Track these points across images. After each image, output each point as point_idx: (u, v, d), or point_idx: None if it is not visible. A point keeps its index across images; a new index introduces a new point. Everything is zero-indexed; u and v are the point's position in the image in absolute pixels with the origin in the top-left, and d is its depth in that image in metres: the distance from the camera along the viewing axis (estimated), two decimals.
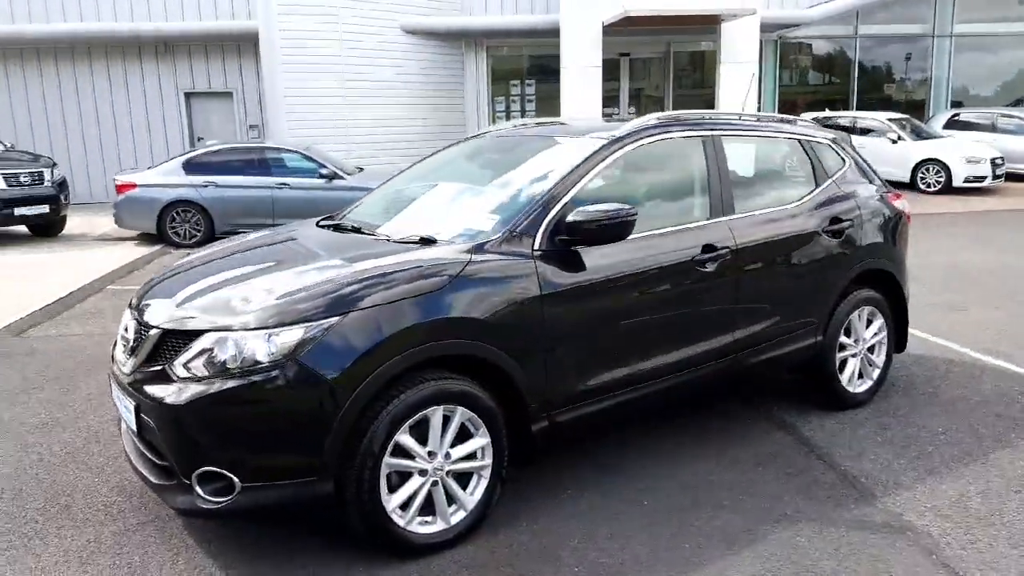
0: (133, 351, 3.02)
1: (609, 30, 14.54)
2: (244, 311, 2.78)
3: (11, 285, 8.19)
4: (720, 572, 2.86)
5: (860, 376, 4.46)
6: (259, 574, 2.88)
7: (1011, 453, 3.84)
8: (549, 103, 16.63)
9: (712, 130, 3.91)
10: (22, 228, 11.72)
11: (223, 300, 2.92)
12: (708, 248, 3.64)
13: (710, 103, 15.93)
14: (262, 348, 2.67)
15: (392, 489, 2.87)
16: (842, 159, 4.52)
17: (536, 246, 3.17)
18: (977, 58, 19.16)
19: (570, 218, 3.16)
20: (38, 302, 7.33)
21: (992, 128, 16.34)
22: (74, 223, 12.55)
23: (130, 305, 3.32)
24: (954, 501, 3.38)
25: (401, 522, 2.88)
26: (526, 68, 17.45)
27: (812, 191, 4.26)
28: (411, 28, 15.15)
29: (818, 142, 4.44)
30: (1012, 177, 15.68)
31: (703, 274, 3.62)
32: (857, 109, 17.86)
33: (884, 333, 4.55)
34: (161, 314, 2.99)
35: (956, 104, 18.69)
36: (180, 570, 2.91)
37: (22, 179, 10.86)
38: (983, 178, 14.45)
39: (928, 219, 11.95)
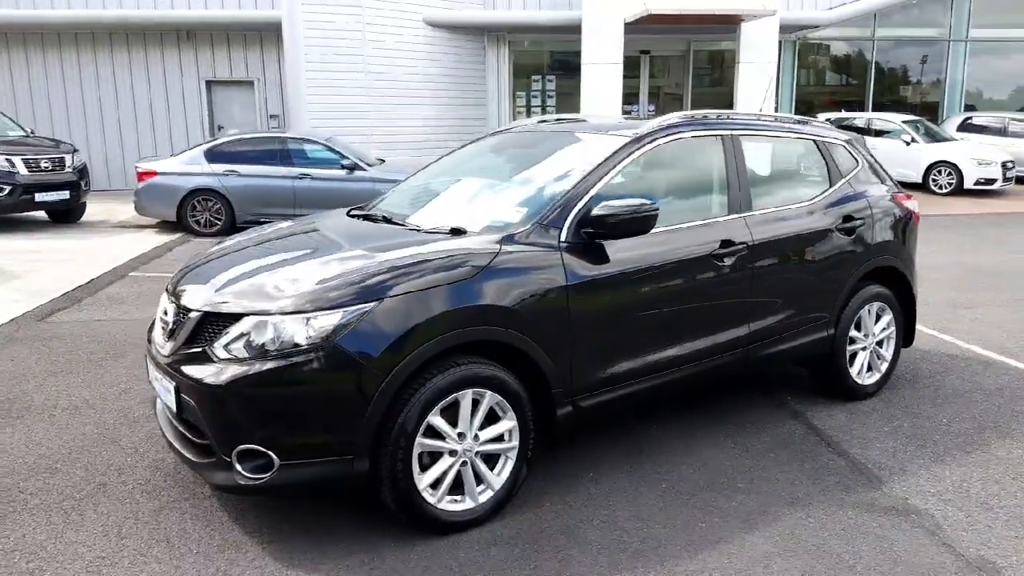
0: (172, 334, 3.17)
1: (630, 27, 14.64)
2: (284, 296, 2.93)
3: (34, 271, 8.38)
4: (736, 549, 3.01)
5: (869, 369, 4.61)
6: (295, 548, 3.02)
7: (1011, 443, 4.00)
8: (569, 99, 16.76)
9: (731, 129, 4.05)
10: (40, 214, 11.91)
11: (263, 285, 3.06)
12: (726, 243, 3.78)
13: (728, 102, 16.02)
14: (301, 331, 2.82)
15: (423, 468, 3.01)
16: (855, 160, 4.64)
17: (562, 238, 3.31)
18: (990, 62, 19.20)
19: (595, 212, 3.30)
20: (62, 287, 7.53)
21: (1004, 132, 16.45)
22: (93, 210, 12.74)
23: (167, 290, 3.47)
24: (956, 487, 3.53)
25: (432, 500, 3.03)
26: (547, 64, 17.57)
27: (826, 190, 4.39)
28: (434, 21, 15.29)
29: (832, 143, 4.57)
30: (1020, 181, 15.76)
31: (720, 268, 3.76)
32: (872, 111, 17.91)
33: (893, 328, 4.69)
34: (201, 298, 3.13)
35: (969, 108, 18.74)
36: (217, 545, 3.04)
37: (43, 165, 11.01)
38: (993, 180, 14.54)
39: (940, 220, 12.03)
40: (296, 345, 2.81)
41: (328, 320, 2.82)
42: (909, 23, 18.35)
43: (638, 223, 3.30)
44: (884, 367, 4.68)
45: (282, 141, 11.30)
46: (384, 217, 3.87)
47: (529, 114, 17.16)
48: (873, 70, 18.60)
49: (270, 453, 2.83)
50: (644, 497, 3.42)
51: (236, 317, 2.93)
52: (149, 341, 3.46)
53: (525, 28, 16.25)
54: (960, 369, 5.17)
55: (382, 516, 3.18)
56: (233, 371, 2.83)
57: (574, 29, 14.98)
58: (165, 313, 3.30)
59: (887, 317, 4.65)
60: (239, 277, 3.18)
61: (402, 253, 3.13)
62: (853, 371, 4.51)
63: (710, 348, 3.80)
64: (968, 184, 14.50)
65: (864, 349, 4.56)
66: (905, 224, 4.74)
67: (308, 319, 2.83)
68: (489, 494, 3.18)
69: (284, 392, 2.83)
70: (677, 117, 3.93)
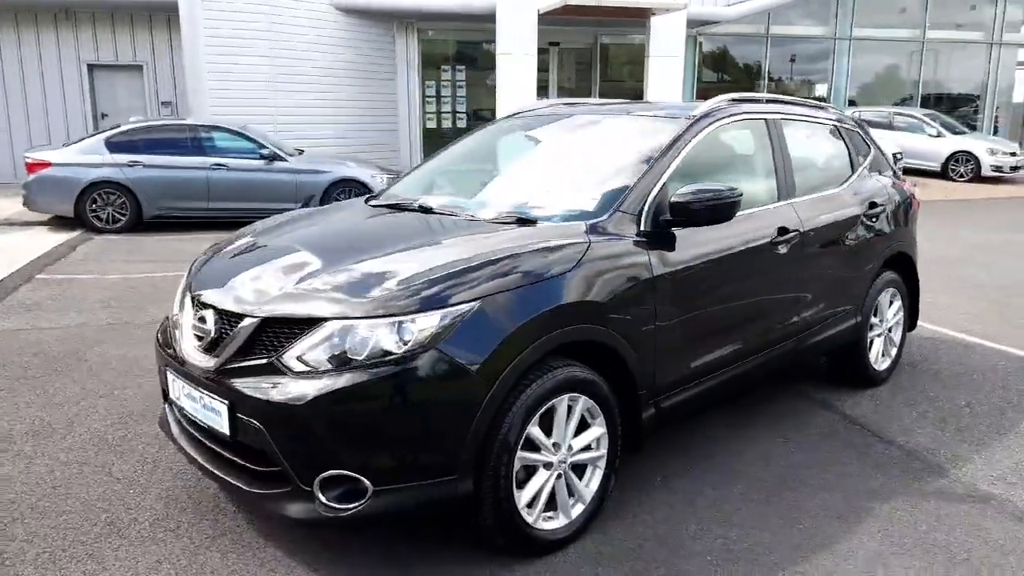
0: (215, 344, 2.71)
1: (542, 18, 14.46)
2: (366, 296, 2.54)
3: None
4: (847, 551, 2.88)
5: (883, 354, 4.62)
6: None
7: None
8: (478, 90, 16.45)
9: (773, 113, 3.93)
10: None
11: (335, 285, 2.65)
12: (782, 230, 3.65)
13: (636, 96, 16.17)
14: (391, 337, 2.45)
15: (519, 485, 2.70)
16: (868, 146, 4.64)
17: (642, 227, 3.07)
18: (870, 60, 20.38)
19: (675, 199, 3.07)
20: None
21: (889, 126, 17.41)
22: None
23: (190, 293, 2.99)
24: (1013, 470, 3.56)
25: (530, 519, 2.73)
26: (456, 54, 17.17)
27: (850, 176, 4.36)
28: (342, 6, 14.58)
29: (849, 129, 4.54)
30: (907, 171, 16.80)
31: (777, 256, 3.63)
32: None
33: (902, 313, 4.73)
34: (252, 300, 2.70)
35: (851, 103, 19.80)
36: None
37: None
38: None
39: None
40: (388, 352, 2.43)
41: (427, 322, 2.46)
42: (800, 21, 19.21)
43: (723, 210, 3.09)
44: (894, 352, 4.72)
45: (193, 129, 10.44)
46: (421, 207, 3.50)
47: (439, 104, 16.73)
48: (767, 66, 19.34)
49: (362, 478, 2.45)
50: (727, 501, 3.24)
51: (310, 322, 2.52)
52: (168, 349, 2.97)
53: (436, 16, 15.78)
54: (946, 351, 5.30)
55: (461, 537, 2.85)
56: (313, 385, 2.43)
57: (486, 18, 14.66)
58: (202, 321, 2.80)
59: (897, 303, 4.68)
60: (304, 277, 2.74)
61: (489, 246, 2.79)
62: (871, 357, 4.51)
63: (770, 339, 3.67)
64: None
65: (880, 336, 4.57)
66: (907, 209, 4.79)
67: (400, 323, 2.46)
68: (580, 508, 2.91)
69: (377, 407, 2.44)
70: (726, 99, 3.76)
